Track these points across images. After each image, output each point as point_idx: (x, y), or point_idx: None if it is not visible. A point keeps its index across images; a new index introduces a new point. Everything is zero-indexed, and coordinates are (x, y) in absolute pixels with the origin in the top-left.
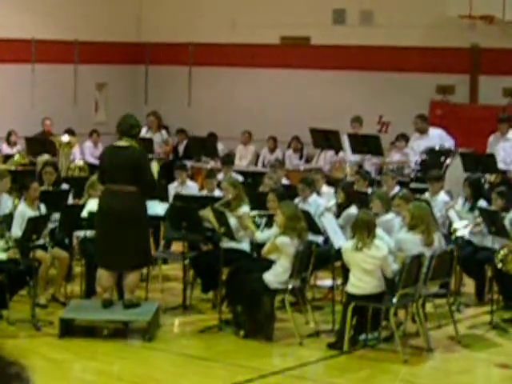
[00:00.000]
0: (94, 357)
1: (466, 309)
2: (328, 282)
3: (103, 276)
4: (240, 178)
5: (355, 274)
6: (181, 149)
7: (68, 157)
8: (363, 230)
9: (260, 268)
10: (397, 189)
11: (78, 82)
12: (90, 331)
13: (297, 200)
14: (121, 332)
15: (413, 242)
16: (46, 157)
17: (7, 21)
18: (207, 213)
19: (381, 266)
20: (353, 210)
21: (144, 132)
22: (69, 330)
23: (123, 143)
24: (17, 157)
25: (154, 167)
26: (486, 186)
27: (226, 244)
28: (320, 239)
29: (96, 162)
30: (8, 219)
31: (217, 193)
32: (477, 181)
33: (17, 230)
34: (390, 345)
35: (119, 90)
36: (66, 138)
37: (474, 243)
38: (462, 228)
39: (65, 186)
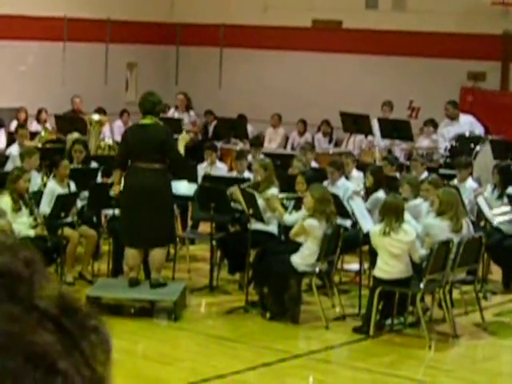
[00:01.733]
0: (120, 335)
1: (493, 296)
2: (355, 266)
3: (130, 255)
4: (269, 161)
5: (383, 258)
6: (209, 130)
7: (98, 135)
8: (391, 215)
9: (287, 250)
10: (425, 174)
11: (108, 61)
12: (116, 310)
13: (326, 183)
14: (147, 311)
15: (441, 228)
16: (75, 135)
17: None
18: (236, 192)
19: (408, 251)
20: (381, 194)
21: (172, 112)
22: (95, 308)
23: (147, 121)
24: (43, 133)
25: (183, 139)
26: None
27: (254, 226)
28: (348, 223)
29: None
30: (37, 196)
31: (246, 174)
32: (506, 168)
33: (45, 207)
34: (416, 330)
35: (150, 70)
36: (96, 116)
37: (502, 231)
38: (501, 215)
39: (94, 165)
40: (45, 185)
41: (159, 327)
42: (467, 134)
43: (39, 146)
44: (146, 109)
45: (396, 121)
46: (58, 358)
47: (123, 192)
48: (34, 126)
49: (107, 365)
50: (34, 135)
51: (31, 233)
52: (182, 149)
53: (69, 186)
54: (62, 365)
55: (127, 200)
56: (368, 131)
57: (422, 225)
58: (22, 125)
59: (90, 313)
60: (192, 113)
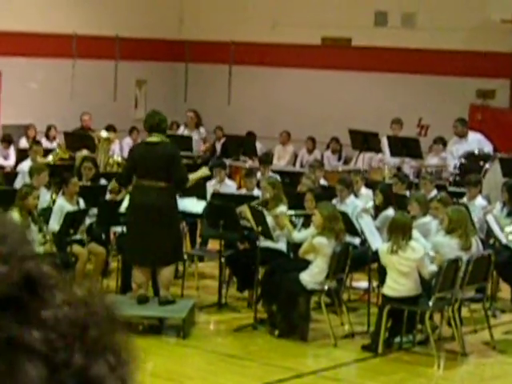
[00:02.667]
0: None
1: (502, 314)
2: (364, 284)
3: (137, 272)
4: (278, 178)
5: (391, 276)
6: (218, 147)
7: (107, 152)
8: (398, 233)
9: (296, 268)
10: (434, 192)
11: (118, 78)
12: (124, 327)
13: (334, 201)
14: (156, 328)
15: (450, 246)
16: (84, 152)
17: (49, 15)
18: (245, 210)
19: (417, 268)
20: (390, 212)
21: (182, 129)
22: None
23: (154, 139)
24: (59, 150)
25: (202, 173)
26: None
27: (263, 243)
28: (357, 241)
29: None
30: (46, 213)
31: (255, 192)
32: None
33: (54, 224)
34: (425, 348)
35: (159, 87)
36: (105, 133)
37: (511, 248)
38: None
39: (103, 182)
40: (54, 202)
41: (168, 344)
42: (476, 152)
43: (51, 162)
44: (151, 127)
45: (405, 138)
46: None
47: (129, 210)
48: (43, 142)
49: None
50: (44, 152)
51: (40, 249)
52: (194, 178)
53: (78, 203)
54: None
55: (133, 218)
56: (377, 149)
57: (431, 243)
58: (37, 141)
59: (116, 308)
60: (202, 130)
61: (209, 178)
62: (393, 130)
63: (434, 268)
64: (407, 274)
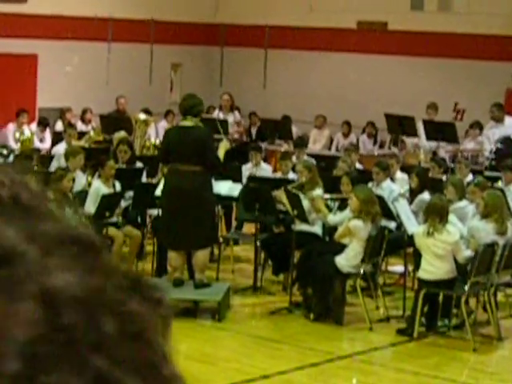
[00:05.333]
0: None
1: None
2: (399, 268)
3: (173, 256)
4: (313, 162)
5: (427, 259)
6: (253, 131)
7: (143, 135)
8: (435, 215)
9: (332, 251)
10: (470, 177)
11: (153, 62)
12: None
13: (370, 185)
14: (191, 311)
15: (486, 231)
16: (122, 133)
17: None
18: (281, 194)
19: (452, 251)
20: (426, 195)
21: (216, 113)
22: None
23: (188, 123)
24: (92, 133)
25: (223, 147)
26: None
27: (299, 227)
28: (393, 224)
29: None
30: (81, 196)
31: (291, 175)
32: None
33: (90, 207)
34: (460, 333)
35: (194, 71)
36: (142, 115)
37: None
38: None
39: (139, 165)
40: (89, 184)
41: (203, 327)
42: None
43: (86, 145)
44: (185, 110)
45: (441, 123)
46: (148, 331)
47: (163, 194)
48: (78, 126)
49: (168, 339)
50: (79, 135)
51: None
52: (221, 155)
53: (114, 185)
54: (151, 336)
55: (168, 202)
56: (413, 133)
57: (467, 227)
58: (71, 124)
59: (154, 285)
60: (237, 113)
61: (245, 161)
62: (428, 114)
63: (469, 253)
64: (442, 256)
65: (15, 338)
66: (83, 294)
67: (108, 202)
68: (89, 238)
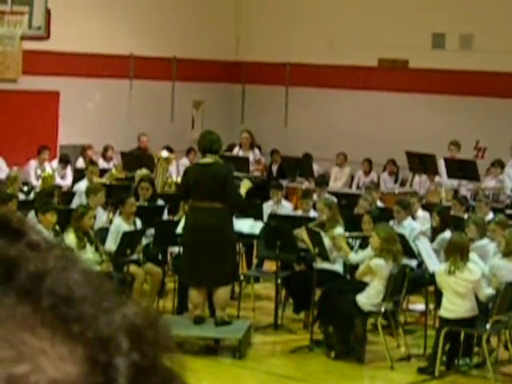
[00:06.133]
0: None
1: None
2: (420, 307)
3: (193, 293)
4: (334, 200)
5: (448, 298)
6: (274, 169)
7: (165, 173)
8: (456, 253)
9: (353, 290)
10: (491, 215)
11: (175, 99)
12: (180, 347)
13: (391, 223)
14: (212, 349)
15: (507, 269)
16: (144, 171)
17: (107, 37)
18: (302, 232)
19: (473, 289)
20: (447, 234)
21: (236, 150)
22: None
23: (207, 160)
24: (114, 171)
25: (245, 185)
26: None
27: (320, 264)
28: (414, 263)
29: None
30: (102, 233)
31: (312, 213)
32: None
33: (111, 244)
34: (482, 371)
35: (216, 108)
36: (165, 153)
37: None
38: None
39: (160, 202)
40: (110, 222)
41: (224, 365)
42: None
43: (106, 182)
44: (204, 147)
45: (463, 161)
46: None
47: (184, 231)
48: (100, 163)
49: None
50: (100, 172)
51: (97, 269)
52: (243, 194)
53: (135, 223)
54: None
55: (189, 239)
56: (434, 171)
57: (488, 265)
58: (93, 161)
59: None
60: (256, 151)
61: (265, 199)
62: (450, 151)
63: (490, 291)
64: (463, 294)
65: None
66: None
67: (129, 240)
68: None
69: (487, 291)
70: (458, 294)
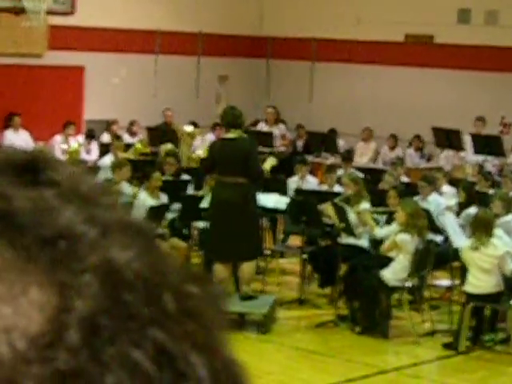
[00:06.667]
0: None
1: None
2: (445, 282)
3: (218, 268)
4: (360, 175)
5: (473, 273)
6: (299, 144)
7: (189, 147)
8: (481, 229)
9: (378, 265)
10: None
11: (200, 74)
12: None
13: (417, 198)
14: (236, 324)
15: None
16: (169, 146)
17: (133, 11)
18: (327, 207)
19: (498, 265)
20: (473, 210)
21: (261, 125)
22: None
23: (231, 135)
24: (138, 145)
25: (270, 162)
26: None
27: (345, 240)
28: (439, 238)
29: None
30: (127, 207)
31: (336, 188)
32: None
33: None
34: (507, 347)
35: (241, 83)
36: (189, 127)
37: None
38: None
39: (185, 177)
40: (135, 196)
41: (248, 340)
42: None
43: (131, 157)
44: (228, 122)
45: (488, 136)
46: (206, 312)
47: (210, 206)
48: (125, 138)
49: (227, 334)
50: (125, 147)
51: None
52: (267, 169)
53: (160, 197)
54: (210, 319)
55: (214, 214)
56: (460, 146)
57: None
58: (118, 136)
59: (212, 280)
60: (281, 126)
61: (290, 174)
62: (476, 127)
63: None
64: (488, 270)
65: (76, 310)
66: (144, 269)
67: (154, 214)
68: (148, 227)
69: None
70: (482, 269)
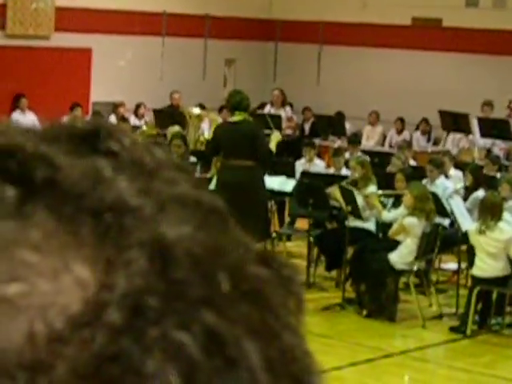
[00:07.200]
0: None
1: None
2: (453, 266)
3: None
4: (367, 158)
5: (480, 257)
6: (306, 127)
7: (197, 130)
8: (487, 213)
9: (385, 248)
10: None
11: (207, 57)
12: None
13: (424, 181)
14: None
15: None
16: (176, 128)
17: None
18: (334, 190)
19: (505, 249)
20: (480, 193)
21: (268, 108)
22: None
23: (236, 118)
24: (145, 128)
25: (275, 138)
26: None
27: (352, 223)
28: (447, 222)
29: None
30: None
31: (343, 171)
32: None
33: None
34: None
35: (248, 67)
36: (197, 110)
37: None
38: None
39: (192, 159)
40: None
41: None
42: None
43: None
44: (233, 106)
45: (496, 120)
46: (270, 295)
47: (216, 189)
48: (132, 120)
49: (299, 317)
50: (132, 129)
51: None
52: (273, 147)
53: None
54: (274, 302)
55: (221, 197)
56: (467, 130)
57: None
58: (125, 118)
59: (284, 262)
60: (288, 109)
61: (298, 157)
62: (484, 111)
63: None
64: (495, 254)
65: (120, 287)
66: (199, 247)
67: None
68: (213, 202)
69: None
70: (488, 253)
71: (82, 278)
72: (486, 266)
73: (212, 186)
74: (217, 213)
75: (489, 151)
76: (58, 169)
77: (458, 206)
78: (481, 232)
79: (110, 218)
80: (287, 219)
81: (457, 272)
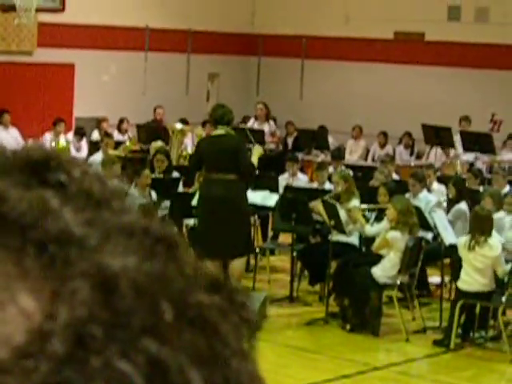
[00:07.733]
0: None
1: None
2: (436, 279)
3: (208, 265)
4: (350, 172)
5: (467, 271)
6: (289, 141)
7: (180, 145)
8: (478, 228)
9: (368, 262)
10: (507, 188)
11: (190, 72)
12: None
13: (407, 195)
14: None
15: None
16: (159, 143)
17: (122, 8)
18: (317, 205)
19: (492, 266)
20: (463, 205)
21: (251, 122)
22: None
23: (219, 132)
24: (128, 143)
25: (257, 152)
26: None
27: (335, 237)
28: (430, 235)
29: None
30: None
31: (327, 185)
32: None
33: None
34: (498, 344)
35: (231, 81)
36: (179, 125)
37: None
38: None
39: (176, 174)
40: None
41: None
42: None
43: (122, 155)
44: (216, 119)
45: (478, 134)
46: (217, 322)
47: (198, 204)
48: (115, 135)
49: (252, 342)
50: (115, 145)
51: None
52: (255, 161)
53: (150, 195)
54: (222, 329)
55: (203, 212)
56: (450, 144)
57: (504, 238)
58: (108, 134)
59: (238, 288)
60: (272, 123)
61: (281, 171)
62: (462, 127)
63: (509, 267)
64: (482, 270)
65: (63, 317)
66: (141, 277)
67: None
68: (162, 231)
69: (506, 268)
70: (476, 269)
71: (26, 308)
72: (471, 281)
73: (195, 200)
74: (165, 241)
75: (471, 165)
76: (6, 201)
77: (440, 220)
78: (470, 248)
79: (55, 249)
80: (270, 233)
81: (440, 285)
